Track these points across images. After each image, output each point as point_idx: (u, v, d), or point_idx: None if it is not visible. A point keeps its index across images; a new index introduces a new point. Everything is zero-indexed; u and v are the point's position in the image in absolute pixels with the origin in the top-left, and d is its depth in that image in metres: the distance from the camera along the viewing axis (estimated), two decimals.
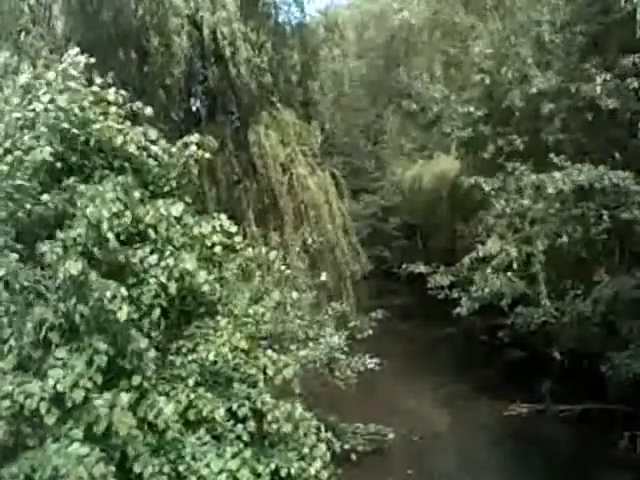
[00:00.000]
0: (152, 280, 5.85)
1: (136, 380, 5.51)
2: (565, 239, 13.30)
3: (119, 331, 5.48)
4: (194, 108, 16.28)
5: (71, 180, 5.98)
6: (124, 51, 12.82)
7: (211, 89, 15.24)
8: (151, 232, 6.09)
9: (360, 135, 32.88)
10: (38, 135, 5.92)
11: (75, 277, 5.21)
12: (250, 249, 7.44)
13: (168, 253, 6.00)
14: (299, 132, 15.16)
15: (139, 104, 6.96)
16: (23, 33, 11.01)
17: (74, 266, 5.20)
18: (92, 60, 6.66)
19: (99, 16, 12.09)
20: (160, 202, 6.29)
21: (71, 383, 5.07)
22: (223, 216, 6.78)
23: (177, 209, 6.29)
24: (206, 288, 6.06)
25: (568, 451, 12.68)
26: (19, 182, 5.66)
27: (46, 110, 5.99)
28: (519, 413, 14.53)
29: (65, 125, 5.99)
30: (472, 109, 16.32)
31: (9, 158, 5.73)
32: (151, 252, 5.99)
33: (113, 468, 4.91)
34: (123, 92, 6.75)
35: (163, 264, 5.90)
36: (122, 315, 5.28)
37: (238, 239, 6.87)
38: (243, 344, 6.19)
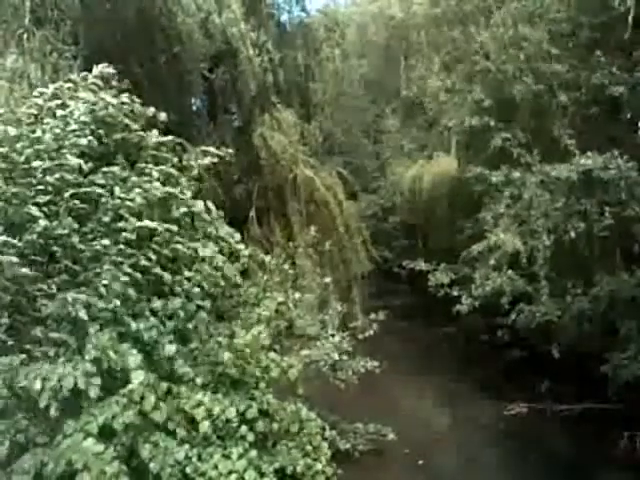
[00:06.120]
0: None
1: (181, 368, 5.67)
2: (572, 234, 13.25)
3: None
4: (195, 108, 16.30)
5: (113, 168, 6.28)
6: (130, 53, 12.77)
7: (214, 89, 15.25)
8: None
9: (360, 135, 32.81)
10: (74, 138, 6.12)
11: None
12: (254, 251, 7.56)
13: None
14: (301, 132, 15.18)
15: (153, 110, 7.21)
16: (26, 35, 10.85)
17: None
18: (112, 70, 6.87)
19: (106, 17, 12.04)
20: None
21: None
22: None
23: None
24: (239, 280, 6.50)
25: (568, 451, 12.68)
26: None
27: (79, 118, 6.27)
28: (519, 413, 14.56)
29: (101, 130, 6.33)
30: (482, 96, 16.11)
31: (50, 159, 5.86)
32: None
33: (125, 467, 4.90)
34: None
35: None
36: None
37: (240, 246, 7.11)
38: (254, 340, 6.31)
